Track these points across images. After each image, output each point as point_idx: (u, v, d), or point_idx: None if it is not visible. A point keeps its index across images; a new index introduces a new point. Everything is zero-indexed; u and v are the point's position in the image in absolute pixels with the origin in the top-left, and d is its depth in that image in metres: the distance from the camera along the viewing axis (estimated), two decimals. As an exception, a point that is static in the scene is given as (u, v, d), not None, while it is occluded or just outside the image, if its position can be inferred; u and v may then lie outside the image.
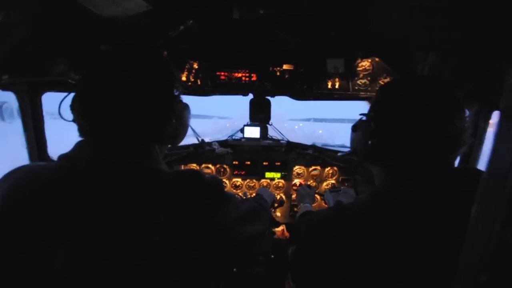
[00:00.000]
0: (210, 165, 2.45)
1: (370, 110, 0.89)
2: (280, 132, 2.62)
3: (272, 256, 2.17)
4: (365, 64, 2.03)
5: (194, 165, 2.42)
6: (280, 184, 2.48)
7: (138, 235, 0.65)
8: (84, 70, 0.78)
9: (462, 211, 0.47)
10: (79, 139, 0.78)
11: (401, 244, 0.70)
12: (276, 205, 1.90)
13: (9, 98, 1.54)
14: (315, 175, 2.48)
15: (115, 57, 0.78)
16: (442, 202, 0.71)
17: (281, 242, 2.24)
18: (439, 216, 0.70)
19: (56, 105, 1.02)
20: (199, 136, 2.44)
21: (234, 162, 2.45)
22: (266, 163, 2.46)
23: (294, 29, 1.89)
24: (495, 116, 1.45)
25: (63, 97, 1.03)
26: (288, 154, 2.47)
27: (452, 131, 0.75)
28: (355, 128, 0.94)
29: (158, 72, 0.80)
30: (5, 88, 1.44)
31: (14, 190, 0.67)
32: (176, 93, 0.84)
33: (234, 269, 2.09)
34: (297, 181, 2.47)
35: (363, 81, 2.08)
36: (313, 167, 2.47)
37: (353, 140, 0.97)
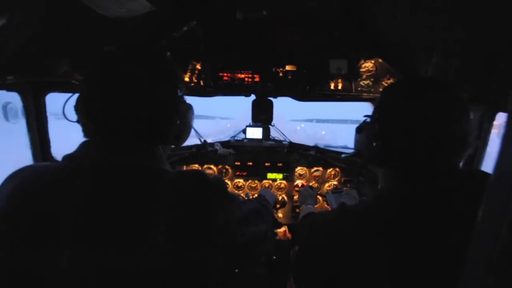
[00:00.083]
0: (212, 166, 2.44)
1: (375, 111, 0.88)
2: (282, 133, 2.61)
3: (274, 257, 2.17)
4: (368, 65, 2.03)
5: (196, 165, 2.42)
6: (282, 185, 2.47)
7: (141, 235, 0.65)
8: (88, 71, 0.78)
9: (467, 213, 0.47)
10: (82, 140, 0.78)
11: (405, 247, 0.69)
12: (278, 206, 1.90)
13: (14, 99, 1.55)
14: (317, 176, 2.47)
15: (120, 57, 0.78)
16: (447, 205, 0.71)
17: (283, 243, 2.24)
18: (444, 218, 0.69)
19: (59, 106, 1.02)
20: (201, 136, 2.44)
21: (236, 163, 2.45)
22: (268, 164, 2.46)
23: (297, 29, 1.89)
24: (499, 118, 1.44)
25: (66, 97, 1.04)
26: (290, 155, 2.47)
27: (457, 133, 0.75)
28: (359, 130, 0.94)
29: (162, 73, 0.80)
30: (9, 88, 1.45)
31: (19, 190, 0.68)
32: (180, 94, 0.84)
33: (236, 270, 2.08)
34: (299, 182, 2.47)
35: (366, 82, 2.07)
36: (315, 168, 2.47)
37: (357, 142, 0.97)
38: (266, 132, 2.47)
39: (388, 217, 0.74)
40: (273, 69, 2.12)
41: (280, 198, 2.42)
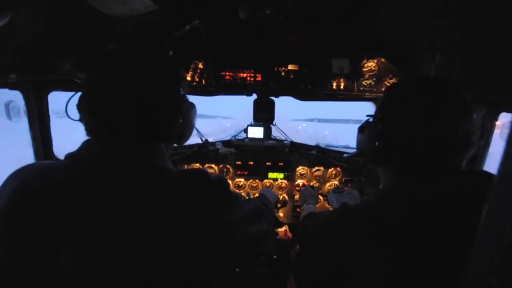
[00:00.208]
0: (213, 165, 2.45)
1: (377, 111, 0.88)
2: (283, 133, 2.61)
3: (275, 257, 2.17)
4: (371, 64, 2.02)
5: (198, 165, 2.42)
6: (283, 185, 2.47)
7: (144, 233, 0.65)
8: (91, 69, 0.78)
9: (471, 214, 0.47)
10: (83, 138, 0.78)
11: (407, 247, 0.69)
12: (279, 205, 1.90)
13: (16, 97, 1.56)
14: (318, 176, 2.47)
15: (122, 56, 0.78)
16: (451, 205, 0.70)
17: (284, 243, 2.24)
18: (447, 219, 0.69)
19: (61, 104, 1.02)
20: (202, 136, 2.44)
21: (237, 162, 2.45)
22: (269, 164, 2.46)
23: (299, 29, 1.89)
24: (502, 118, 1.43)
25: (69, 96, 1.04)
26: (291, 154, 2.46)
27: (460, 133, 0.74)
28: (361, 130, 0.94)
29: (165, 72, 0.80)
30: (12, 87, 1.45)
31: (21, 189, 0.68)
32: (183, 93, 0.84)
33: (237, 269, 2.09)
34: (300, 181, 2.46)
35: (368, 81, 2.07)
36: (316, 168, 2.47)
37: (359, 142, 0.97)
38: (267, 132, 2.46)
39: (390, 217, 0.74)
40: (275, 69, 2.12)
41: (281, 197, 2.42)
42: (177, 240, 0.66)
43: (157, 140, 0.81)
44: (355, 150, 1.02)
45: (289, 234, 2.32)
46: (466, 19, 1.06)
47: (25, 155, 1.67)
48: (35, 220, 0.63)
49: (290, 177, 2.47)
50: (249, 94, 2.34)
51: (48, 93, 1.66)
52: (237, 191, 2.46)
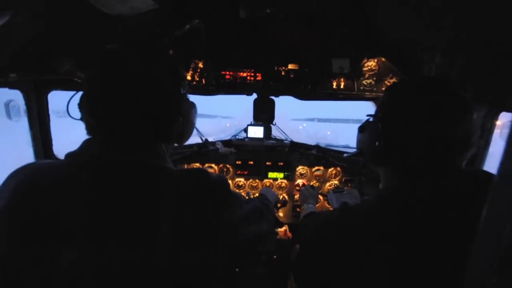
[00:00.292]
0: (213, 165, 2.45)
1: (378, 111, 0.88)
2: (283, 132, 2.61)
3: (275, 257, 2.17)
4: (371, 64, 2.02)
5: (198, 164, 2.42)
6: (283, 184, 2.47)
7: (145, 233, 0.65)
8: (91, 69, 0.78)
9: (471, 214, 0.47)
10: (82, 138, 0.78)
11: (408, 247, 0.69)
12: (279, 205, 1.90)
13: (16, 97, 1.56)
14: (318, 176, 2.47)
15: (123, 55, 0.78)
16: (451, 205, 0.70)
17: (284, 243, 2.24)
18: (447, 219, 0.69)
19: (61, 104, 1.02)
20: (202, 135, 2.44)
21: (237, 162, 2.45)
22: (269, 163, 2.46)
23: (299, 28, 1.88)
24: (502, 117, 1.43)
25: (68, 95, 1.04)
26: (291, 154, 2.46)
27: (460, 132, 0.74)
28: (362, 129, 0.94)
29: (166, 71, 0.81)
30: (12, 86, 1.45)
31: (22, 187, 0.68)
32: (183, 92, 0.84)
33: (237, 269, 2.09)
34: (300, 181, 2.46)
35: (368, 81, 2.06)
36: (316, 168, 2.46)
37: (359, 141, 0.97)
38: (267, 131, 2.46)
39: (390, 217, 0.74)
40: (276, 68, 2.12)
41: (281, 197, 2.42)
42: (177, 240, 0.66)
43: (157, 139, 0.81)
44: (355, 150, 1.02)
45: (289, 234, 2.32)
46: (466, 18, 1.06)
47: (25, 155, 1.67)
48: (35, 219, 0.63)
49: (290, 176, 2.47)
50: (249, 93, 2.34)
51: (48, 92, 1.65)
52: (237, 190, 2.46)
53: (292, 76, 2.12)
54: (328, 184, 2.47)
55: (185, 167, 2.39)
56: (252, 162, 2.45)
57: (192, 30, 1.82)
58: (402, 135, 0.79)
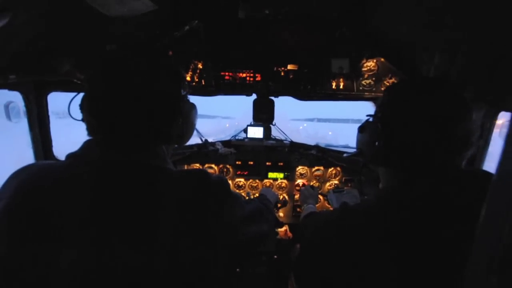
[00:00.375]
0: (213, 165, 2.45)
1: (377, 111, 0.88)
2: (283, 132, 2.61)
3: (275, 257, 2.17)
4: (370, 64, 2.02)
5: (198, 165, 2.42)
6: (283, 185, 2.47)
7: (145, 233, 0.65)
8: (90, 70, 0.79)
9: (471, 213, 0.47)
10: (82, 139, 0.79)
11: (408, 247, 0.69)
12: (279, 205, 1.90)
13: (16, 98, 1.56)
14: (318, 176, 2.47)
15: (124, 57, 0.79)
16: (450, 205, 0.70)
17: (284, 243, 2.24)
18: (446, 218, 0.69)
19: (61, 105, 1.03)
20: (202, 136, 2.44)
21: (237, 162, 2.45)
22: (269, 163, 2.45)
23: (299, 29, 1.89)
24: (501, 117, 1.43)
25: (68, 96, 1.04)
26: (291, 154, 2.46)
27: (460, 132, 0.75)
28: (361, 129, 0.94)
29: (166, 72, 0.81)
30: (11, 88, 1.45)
31: (23, 188, 0.68)
32: (184, 93, 0.84)
33: (237, 269, 2.09)
34: (300, 181, 2.46)
35: (367, 81, 2.07)
36: (316, 168, 2.47)
37: (359, 141, 0.97)
38: (267, 132, 2.46)
39: (390, 217, 0.74)
40: (275, 69, 2.12)
41: (281, 197, 2.42)
42: (177, 240, 0.66)
43: (157, 140, 0.81)
44: (355, 150, 1.02)
45: (289, 234, 2.32)
46: (465, 18, 1.06)
47: (25, 156, 1.67)
48: (35, 219, 0.64)
49: (290, 177, 2.47)
50: (248, 94, 2.34)
51: (48, 93, 1.66)
52: (237, 191, 2.46)
53: (291, 76, 2.12)
54: (328, 184, 2.48)
55: (185, 167, 2.39)
56: (252, 163, 2.45)
57: (192, 31, 1.82)
58: (401, 135, 0.79)
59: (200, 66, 2.08)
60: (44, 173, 0.71)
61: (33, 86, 1.57)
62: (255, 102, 2.38)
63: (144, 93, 0.75)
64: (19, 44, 1.10)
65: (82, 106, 0.80)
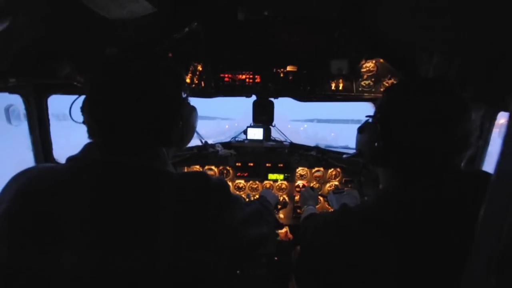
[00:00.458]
0: (213, 167, 2.45)
1: (377, 111, 0.88)
2: (283, 134, 2.61)
3: (276, 258, 2.17)
4: (369, 65, 2.03)
5: (198, 167, 2.42)
6: (283, 186, 2.47)
7: (145, 236, 0.65)
8: (90, 73, 0.79)
9: (469, 214, 0.47)
10: (81, 141, 0.79)
11: (408, 247, 0.69)
12: (279, 206, 1.90)
13: (16, 101, 1.56)
14: (318, 177, 2.47)
15: (124, 59, 0.79)
16: (449, 205, 0.71)
17: (285, 244, 2.23)
18: (446, 219, 0.69)
19: (61, 108, 1.03)
20: (202, 137, 2.44)
21: (237, 164, 2.45)
22: (269, 165, 2.45)
23: (298, 30, 1.89)
24: (500, 117, 1.43)
25: (68, 99, 1.04)
26: (291, 155, 2.46)
27: (459, 133, 0.75)
28: (361, 130, 0.94)
29: (166, 75, 0.81)
30: (12, 91, 1.46)
31: (23, 191, 0.68)
32: (184, 96, 0.85)
33: (238, 271, 2.09)
34: (300, 182, 2.46)
35: (367, 82, 2.07)
36: (316, 169, 2.47)
37: (359, 142, 0.97)
38: (267, 133, 2.47)
39: (391, 218, 0.74)
40: (274, 70, 2.12)
41: (281, 198, 2.42)
42: (177, 242, 0.66)
43: (158, 143, 0.81)
44: (354, 151, 1.02)
45: (290, 236, 2.32)
46: (464, 19, 1.07)
47: (25, 159, 1.67)
48: (36, 222, 0.64)
49: (290, 178, 2.47)
50: (248, 95, 2.34)
51: (48, 96, 1.66)
52: (237, 192, 2.46)
53: (290, 77, 2.13)
54: (328, 185, 2.47)
55: (185, 169, 2.39)
56: (252, 164, 2.45)
57: (191, 33, 1.82)
58: (401, 136, 0.79)
59: (199, 68, 2.08)
60: (44, 176, 0.71)
61: (33, 89, 1.57)
62: (254, 103, 2.38)
63: (144, 95, 0.75)
64: (19, 48, 1.10)
65: (83, 109, 0.80)
